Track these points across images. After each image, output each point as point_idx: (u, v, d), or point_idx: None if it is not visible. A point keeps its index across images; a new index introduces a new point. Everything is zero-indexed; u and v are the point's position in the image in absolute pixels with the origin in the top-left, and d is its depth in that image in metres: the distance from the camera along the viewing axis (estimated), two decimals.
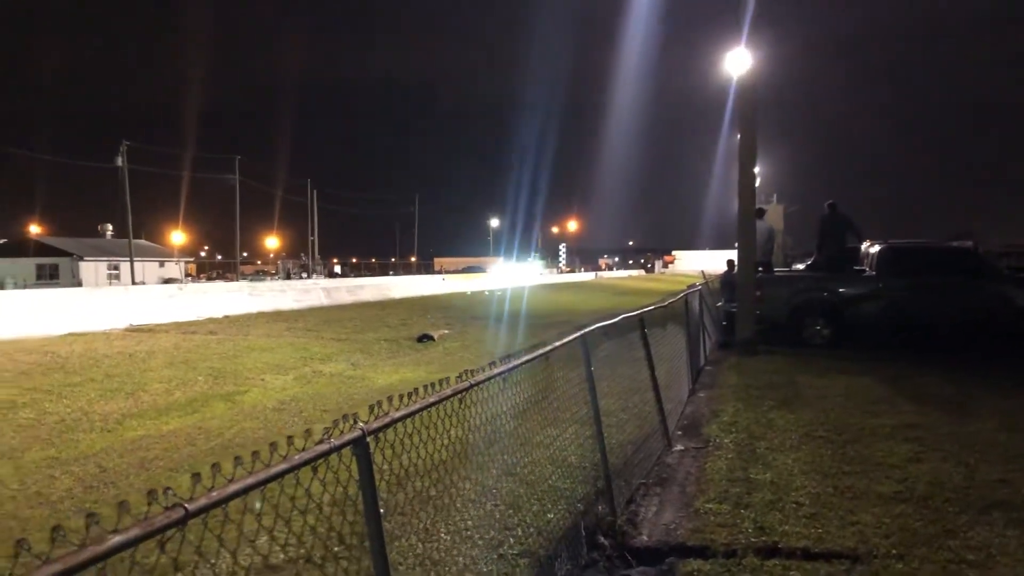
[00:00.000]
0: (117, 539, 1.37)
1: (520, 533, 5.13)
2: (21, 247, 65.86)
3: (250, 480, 1.78)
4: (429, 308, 30.00)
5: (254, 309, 26.81)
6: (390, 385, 11.78)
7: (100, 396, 10.77)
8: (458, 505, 5.65)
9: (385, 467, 4.93)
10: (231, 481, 1.74)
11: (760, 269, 16.84)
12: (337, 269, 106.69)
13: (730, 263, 18.00)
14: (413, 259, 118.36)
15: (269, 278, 67.66)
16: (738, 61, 15.55)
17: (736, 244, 16.15)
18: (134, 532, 1.42)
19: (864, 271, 16.51)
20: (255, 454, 1.88)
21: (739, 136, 15.84)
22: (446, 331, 20.06)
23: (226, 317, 24.28)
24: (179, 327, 21.05)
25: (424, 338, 18.25)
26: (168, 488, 1.60)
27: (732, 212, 19.03)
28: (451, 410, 3.81)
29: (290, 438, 2.14)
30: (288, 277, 69.11)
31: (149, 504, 1.56)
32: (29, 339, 17.06)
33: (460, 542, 4.94)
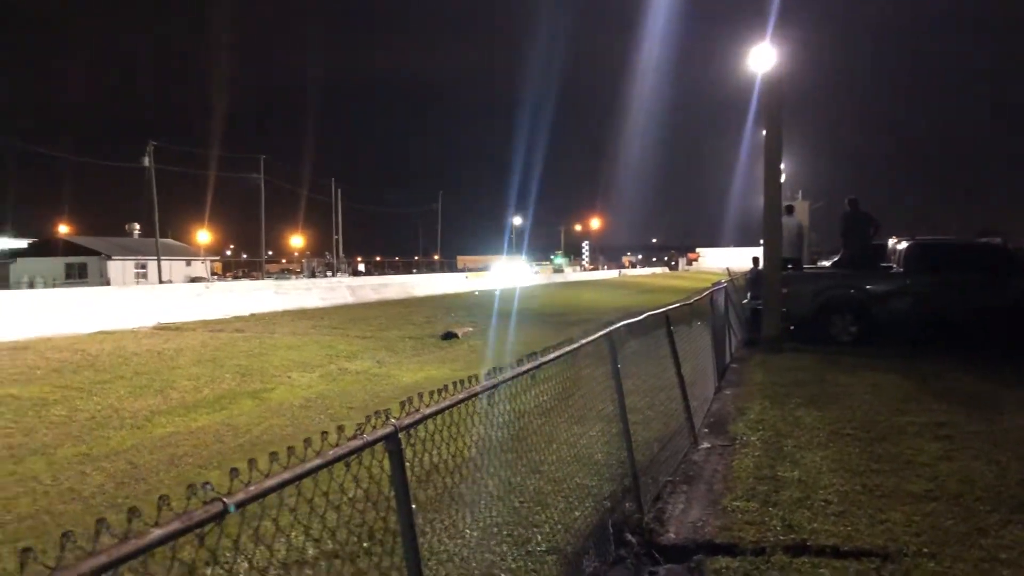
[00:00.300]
0: (158, 532, 1.39)
1: (547, 530, 5.14)
2: (50, 246, 66.75)
3: (286, 475, 1.80)
4: (453, 306, 30.07)
5: (280, 307, 27.00)
6: (415, 383, 11.83)
7: (130, 393, 10.90)
8: (484, 502, 5.67)
9: (412, 463, 4.97)
10: (267, 476, 1.76)
11: (789, 266, 16.75)
12: (361, 267, 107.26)
13: (756, 260, 17.90)
14: (436, 257, 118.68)
15: (294, 276, 68.10)
16: (763, 57, 15.45)
17: (762, 241, 16.07)
18: (175, 526, 1.44)
19: (891, 268, 16.36)
20: (290, 449, 1.90)
21: (764, 132, 15.74)
22: (470, 329, 20.10)
23: (252, 315, 24.47)
24: (206, 325, 21.25)
25: (448, 336, 18.30)
26: (207, 483, 1.63)
27: (757, 209, 18.93)
28: (478, 407, 3.83)
29: (324, 433, 2.16)
30: (313, 275, 69.52)
31: (188, 499, 1.58)
32: (59, 337, 17.30)
33: (487, 538, 4.96)
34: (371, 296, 34.21)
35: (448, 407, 2.83)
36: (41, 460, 7.59)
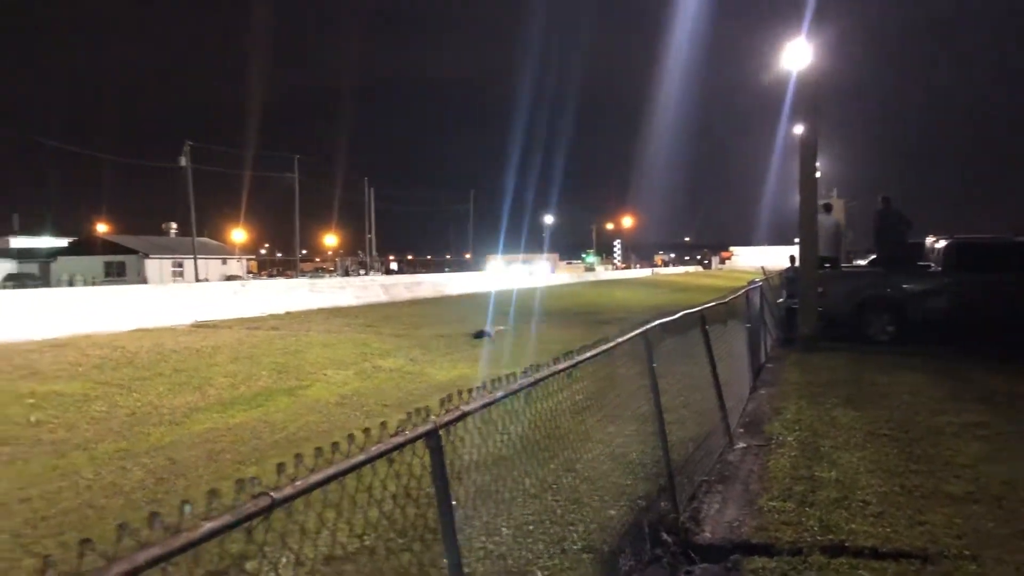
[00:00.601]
0: (209, 526, 1.42)
1: (582, 529, 5.15)
2: (89, 245, 67.85)
3: (331, 471, 1.83)
4: (484, 304, 30.12)
5: (314, 305, 27.21)
6: (449, 381, 11.88)
7: (168, 390, 11.07)
8: (520, 499, 5.69)
9: (452, 461, 5.00)
10: (313, 471, 1.79)
11: (827, 265, 16.58)
12: (393, 266, 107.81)
13: (793, 259, 17.75)
14: (467, 256, 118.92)
15: (328, 275, 68.61)
16: (797, 54, 15.30)
17: (798, 239, 15.92)
18: (225, 519, 1.47)
19: (929, 267, 16.13)
20: (335, 445, 1.93)
21: (799, 130, 15.60)
22: (502, 327, 20.13)
23: (287, 313, 24.70)
24: (242, 323, 21.49)
25: (481, 334, 18.34)
26: (254, 478, 1.66)
27: (791, 207, 18.73)
28: (512, 406, 3.85)
29: (367, 430, 2.19)
30: (347, 274, 70.02)
31: (237, 493, 1.61)
32: (99, 334, 17.58)
33: (522, 536, 4.98)
34: (404, 294, 34.37)
35: (487, 405, 2.85)
36: (83, 455, 7.73)
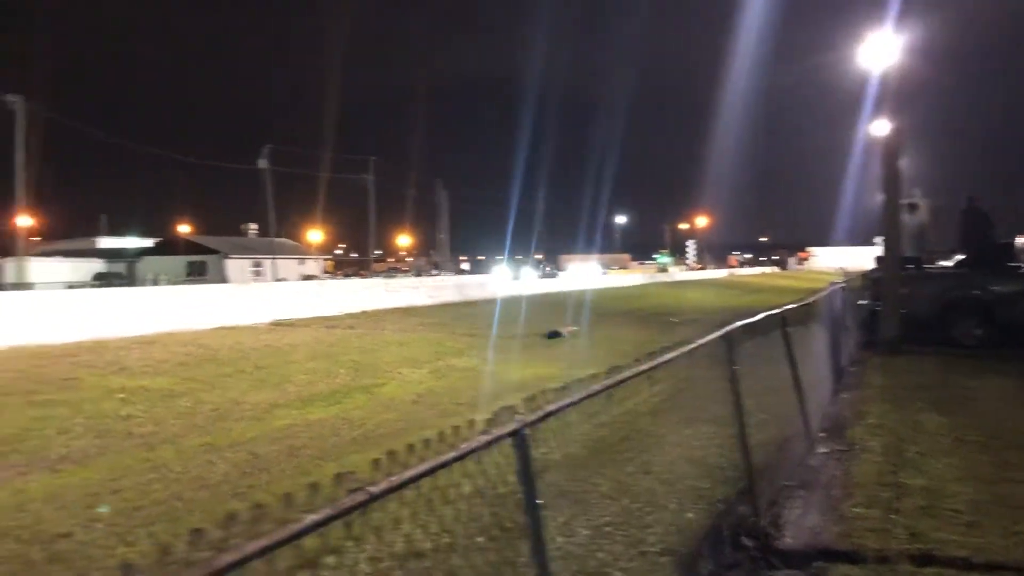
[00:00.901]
0: (312, 518, 1.46)
1: (660, 531, 5.10)
2: (173, 245, 69.99)
3: (423, 467, 1.86)
4: (557, 305, 30.08)
5: (389, 305, 27.58)
6: (522, 380, 11.90)
7: (249, 387, 11.35)
8: (596, 501, 5.68)
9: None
10: (407, 468, 1.82)
11: (910, 266, 16.09)
12: (466, 266, 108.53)
13: (879, 259, 17.26)
14: (538, 257, 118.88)
15: (400, 275, 69.48)
16: (881, 48, 14.87)
17: (880, 240, 15.49)
18: (325, 512, 1.51)
19: (1019, 267, 15.51)
20: (427, 442, 1.96)
21: (880, 127, 15.17)
22: (575, 327, 20.08)
23: (363, 312, 25.09)
24: (319, 321, 21.91)
25: (553, 334, 18.34)
26: (351, 472, 1.69)
27: (872, 207, 18.22)
28: (590, 407, 3.83)
29: (456, 428, 2.21)
30: (419, 274, 70.81)
31: (337, 487, 1.65)
32: (183, 332, 18.14)
33: (600, 537, 4.96)
34: (476, 294, 34.57)
35: (570, 404, 2.85)
36: (170, 449, 7.99)
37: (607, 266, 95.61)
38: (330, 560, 4.34)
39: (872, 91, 16.60)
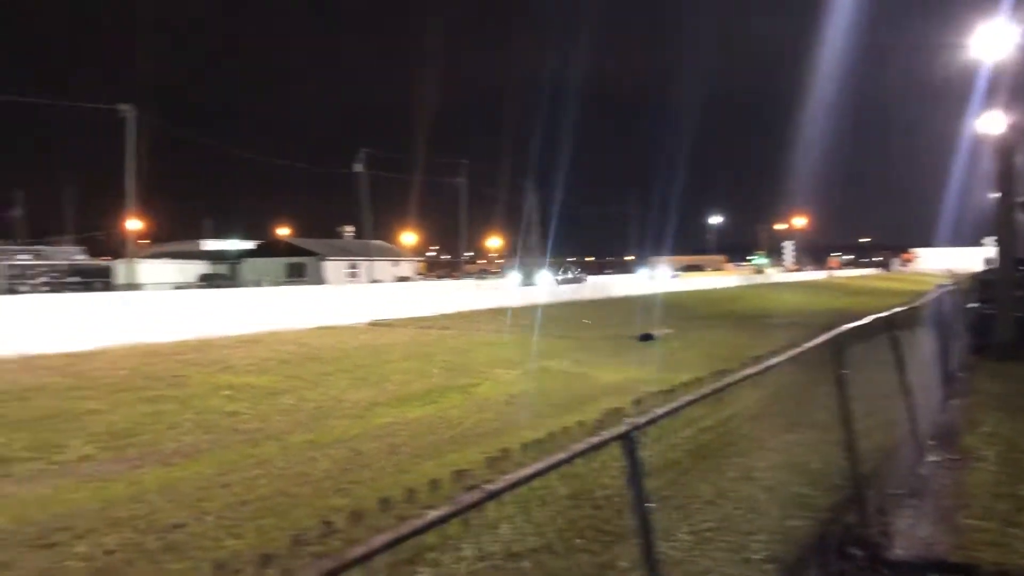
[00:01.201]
0: (433, 514, 1.48)
1: (763, 538, 4.98)
2: (273, 248, 72.16)
3: (540, 466, 1.86)
4: (649, 307, 29.78)
5: (482, 306, 27.81)
6: (615, 384, 11.83)
7: (349, 385, 11.61)
8: (696, 506, 5.59)
9: (617, 464, 4.97)
10: (522, 467, 1.82)
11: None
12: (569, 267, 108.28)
13: (988, 261, 16.50)
14: (631, 258, 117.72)
15: (490, 277, 69.97)
16: (994, 39, 14.20)
17: (991, 240, 14.79)
18: (445, 510, 1.53)
19: None
20: (539, 443, 1.96)
21: (988, 123, 14.48)
22: (668, 330, 19.83)
23: (456, 313, 25.37)
24: (414, 322, 22.27)
25: (646, 337, 18.16)
26: (466, 470, 1.71)
27: (981, 206, 17.42)
28: (690, 412, 3.77)
29: (565, 429, 2.21)
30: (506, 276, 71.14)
31: (455, 486, 1.67)
32: (285, 331, 18.70)
33: (700, 543, 4.88)
34: (567, 296, 34.54)
35: (679, 408, 2.81)
36: (275, 445, 8.24)
37: (702, 268, 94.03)
38: (432, 556, 4.42)
39: (983, 84, 15.87)
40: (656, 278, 52.28)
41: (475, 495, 1.62)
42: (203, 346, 15.58)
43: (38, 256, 44.78)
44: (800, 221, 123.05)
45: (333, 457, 7.68)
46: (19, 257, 43.30)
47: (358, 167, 57.97)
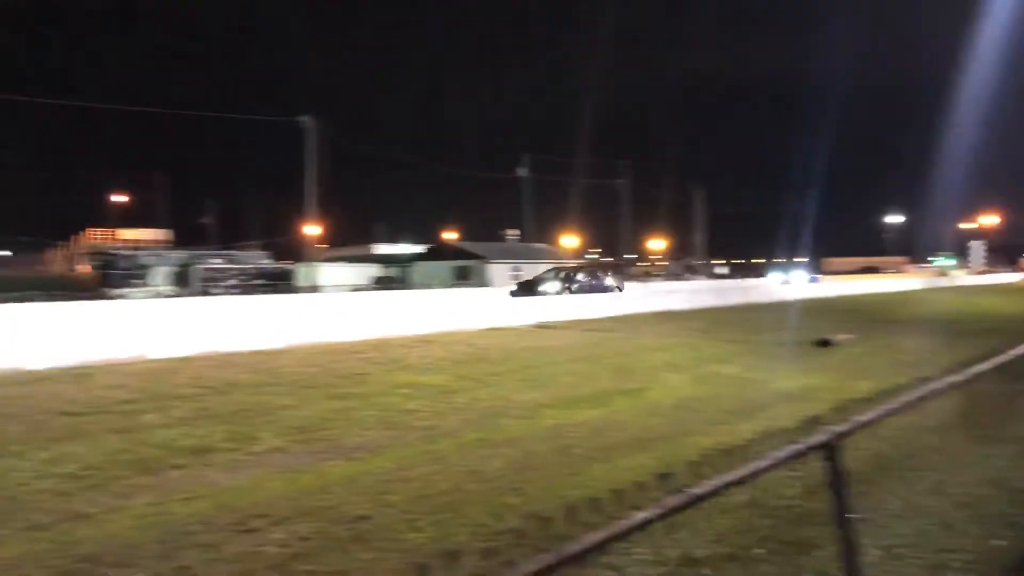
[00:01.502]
0: (641, 515, 1.50)
1: (962, 557, 4.69)
2: (441, 251, 74.56)
3: (742, 472, 1.85)
4: (825, 311, 28.57)
5: (645, 309, 27.60)
6: (790, 391, 11.42)
7: (518, 386, 11.81)
8: (883, 520, 5.32)
9: (796, 472, 4.80)
10: (720, 474, 1.82)
11: None
12: (725, 270, 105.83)
13: None
14: (801, 260, 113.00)
15: (652, 279, 69.23)
16: None
17: None
18: (652, 511, 1.54)
19: None
20: (717, 450, 1.94)
21: None
22: (848, 335, 18.91)
23: (621, 316, 25.30)
24: (579, 324, 22.38)
25: (823, 342, 17.40)
26: (670, 474, 1.72)
27: None
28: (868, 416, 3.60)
29: (743, 437, 2.18)
30: (675, 278, 70.13)
31: (658, 488, 1.69)
32: (456, 332, 19.29)
33: (892, 559, 4.65)
34: (735, 299, 33.68)
35: (885, 415, 2.70)
36: (449, 442, 8.49)
37: (878, 270, 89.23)
38: (605, 560, 4.43)
39: None
40: (792, 282, 49.21)
41: (679, 498, 1.63)
42: (381, 345, 16.31)
43: (230, 260, 48.24)
44: (991, 219, 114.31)
45: (505, 456, 7.83)
46: (211, 261, 46.92)
47: (522, 171, 58.88)
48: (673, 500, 1.62)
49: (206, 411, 9.87)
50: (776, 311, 28.91)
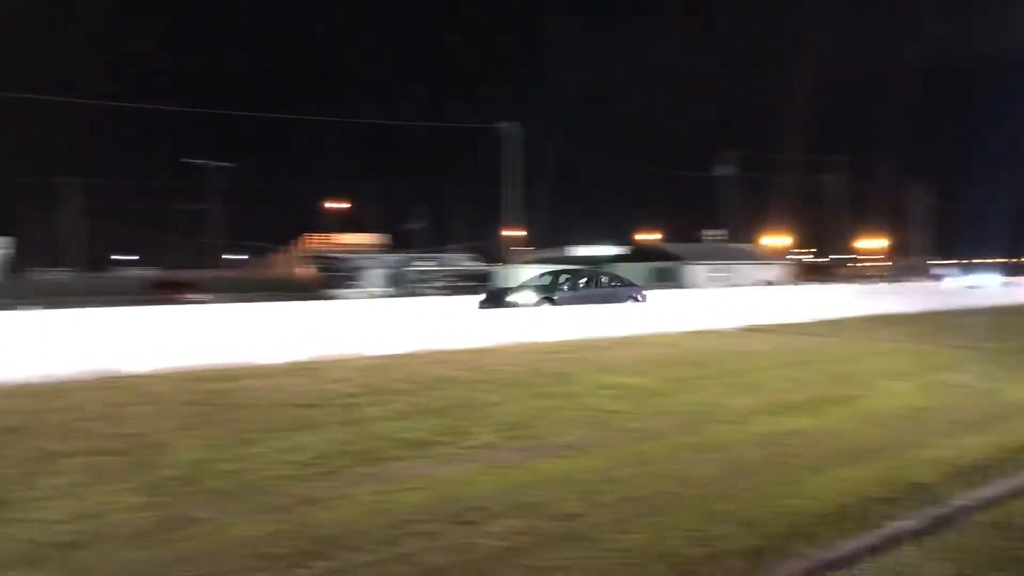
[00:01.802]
0: (910, 524, 1.43)
1: None
2: (641, 253, 74.25)
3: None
4: None
5: (859, 312, 26.10)
6: None
7: (725, 390, 11.52)
8: None
9: None
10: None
11: None
12: (943, 271, 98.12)
13: None
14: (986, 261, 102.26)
15: (867, 281, 65.34)
16: None
17: None
18: (910, 524, 1.47)
19: None
20: (951, 465, 1.80)
21: None
22: None
23: (832, 319, 24.09)
24: (785, 328, 21.54)
25: None
26: (923, 483, 1.62)
27: None
28: None
29: (980, 451, 2.01)
30: (895, 280, 65.91)
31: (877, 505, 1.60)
32: (658, 334, 19.13)
33: None
34: (960, 302, 31.18)
35: None
36: (655, 445, 8.42)
37: None
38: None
39: None
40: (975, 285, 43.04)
41: (943, 509, 1.54)
42: (582, 346, 16.46)
43: (440, 263, 50.68)
44: None
45: (714, 461, 7.67)
46: (417, 263, 49.43)
47: (723, 170, 57.44)
48: (936, 511, 1.53)
49: (421, 405, 10.36)
50: (1012, 314, 26.50)
